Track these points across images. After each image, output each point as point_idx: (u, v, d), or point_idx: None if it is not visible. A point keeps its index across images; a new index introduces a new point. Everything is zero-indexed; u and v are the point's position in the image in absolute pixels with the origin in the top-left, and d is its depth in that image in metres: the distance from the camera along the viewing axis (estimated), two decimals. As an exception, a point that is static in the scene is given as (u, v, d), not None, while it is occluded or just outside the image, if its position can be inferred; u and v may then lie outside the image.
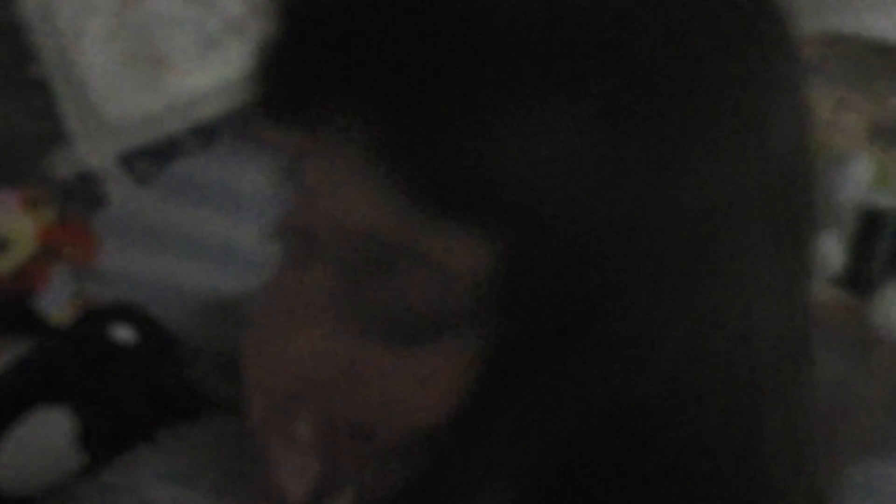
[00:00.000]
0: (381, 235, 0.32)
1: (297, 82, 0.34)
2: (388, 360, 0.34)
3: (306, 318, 0.34)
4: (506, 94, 0.30)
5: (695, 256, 0.32)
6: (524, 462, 0.34)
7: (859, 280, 1.45)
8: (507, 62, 0.30)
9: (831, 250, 1.40)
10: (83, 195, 1.31)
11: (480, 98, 0.30)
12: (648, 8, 0.30)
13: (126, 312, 1.38)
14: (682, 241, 0.32)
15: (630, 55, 0.30)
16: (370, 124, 0.31)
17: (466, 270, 0.31)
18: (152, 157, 1.33)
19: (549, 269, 0.31)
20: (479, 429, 0.33)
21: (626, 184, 0.31)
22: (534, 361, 0.32)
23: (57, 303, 1.43)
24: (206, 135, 1.32)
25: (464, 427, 0.33)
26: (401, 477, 0.35)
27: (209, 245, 1.51)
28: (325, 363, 0.34)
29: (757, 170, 0.32)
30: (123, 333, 1.34)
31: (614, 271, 0.31)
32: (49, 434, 1.21)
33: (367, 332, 0.34)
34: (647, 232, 0.31)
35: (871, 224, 1.47)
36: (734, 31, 0.32)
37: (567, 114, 0.30)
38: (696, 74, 0.31)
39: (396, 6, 0.31)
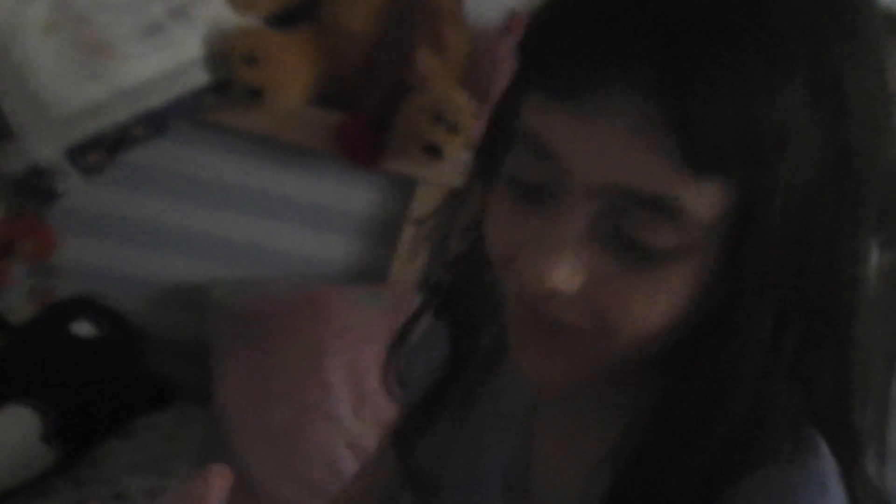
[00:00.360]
0: (642, 188, 0.42)
1: (584, 59, 0.42)
2: (632, 277, 0.44)
3: (564, 245, 0.44)
4: (759, 77, 0.39)
5: (884, 208, 0.44)
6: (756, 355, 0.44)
7: None
8: (761, 52, 0.39)
9: None
10: (35, 190, 1.28)
11: (741, 79, 0.39)
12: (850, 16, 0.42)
13: (86, 306, 1.37)
14: (876, 193, 0.44)
15: (847, 47, 0.41)
16: (648, 100, 0.40)
17: (707, 216, 0.42)
18: (102, 148, 1.31)
19: (776, 212, 0.41)
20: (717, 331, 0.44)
21: (840, 147, 0.41)
22: (753, 281, 0.43)
23: (16, 300, 1.41)
24: (156, 122, 1.30)
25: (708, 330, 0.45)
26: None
27: (167, 233, 1.50)
28: (582, 278, 0.44)
29: None
30: (85, 327, 1.33)
31: (824, 213, 0.42)
32: (17, 431, 1.20)
33: (615, 257, 0.44)
34: (854, 184, 0.43)
35: None
36: (881, 26, 0.44)
37: (803, 92, 0.40)
38: (880, 60, 0.44)
39: None
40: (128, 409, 1.33)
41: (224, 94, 1.33)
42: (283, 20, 1.37)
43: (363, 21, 1.36)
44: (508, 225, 0.48)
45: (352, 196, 1.55)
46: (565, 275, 0.44)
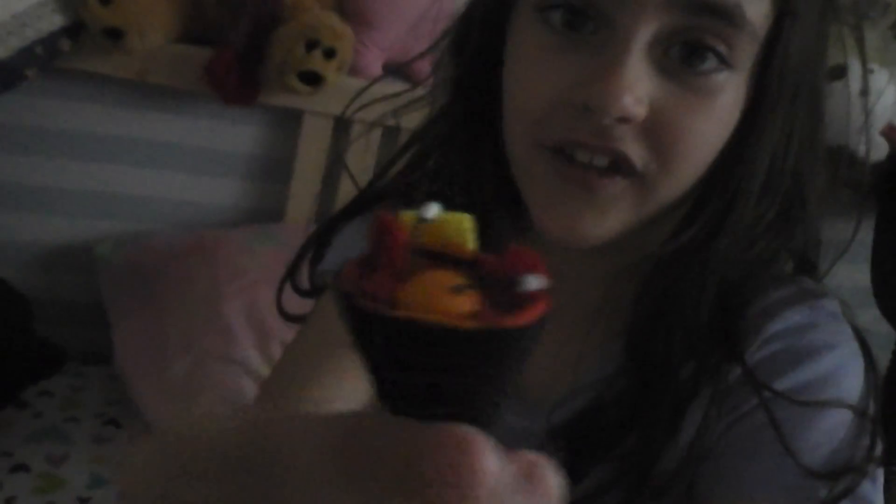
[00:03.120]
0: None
1: None
2: (688, 102, 0.46)
3: (631, 67, 0.44)
4: None
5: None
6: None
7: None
8: None
9: None
10: None
11: None
12: None
13: (-40, 276, 1.30)
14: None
15: None
16: None
17: (759, 29, 0.46)
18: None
19: (797, 40, 0.47)
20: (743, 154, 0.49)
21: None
22: (787, 90, 0.48)
23: None
24: (6, 74, 1.21)
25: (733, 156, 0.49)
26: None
27: (39, 193, 1.42)
28: (645, 106, 0.45)
29: None
30: (-38, 298, 1.26)
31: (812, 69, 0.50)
32: None
33: (671, 82, 0.46)
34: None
35: None
36: None
37: None
38: None
39: None
40: (18, 378, 1.27)
41: (80, 38, 1.25)
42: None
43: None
44: (552, 64, 0.47)
45: (234, 136, 1.49)
46: (635, 97, 0.45)
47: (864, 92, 0.59)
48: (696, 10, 0.44)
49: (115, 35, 1.23)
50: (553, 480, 0.20)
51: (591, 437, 0.52)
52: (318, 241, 0.63)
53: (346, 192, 1.51)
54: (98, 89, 1.37)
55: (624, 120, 0.45)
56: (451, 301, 0.19)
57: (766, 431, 0.48)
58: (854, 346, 0.53)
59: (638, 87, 0.45)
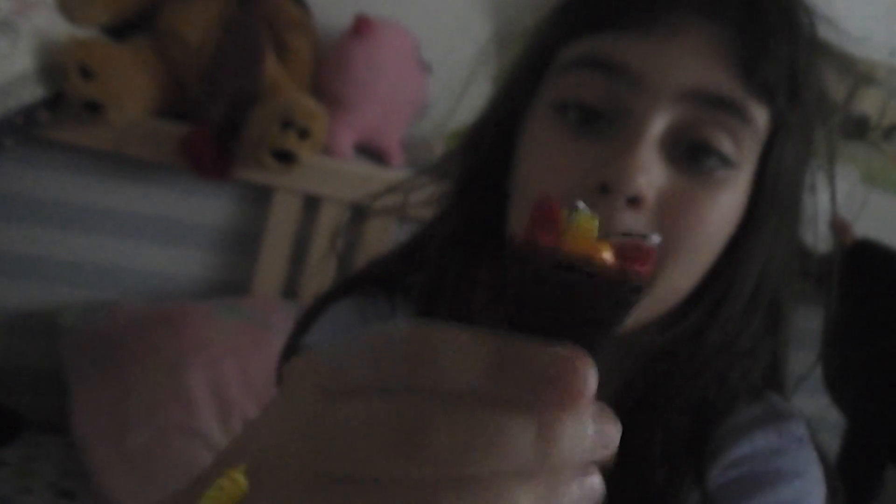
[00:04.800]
0: (718, 91, 0.48)
1: None
2: (694, 193, 0.49)
3: (644, 150, 0.47)
4: (805, 40, 0.51)
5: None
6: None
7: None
8: (809, 26, 0.52)
9: None
10: None
11: (793, 35, 0.50)
12: None
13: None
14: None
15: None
16: (714, 25, 0.48)
17: (761, 132, 0.49)
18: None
19: (791, 150, 0.51)
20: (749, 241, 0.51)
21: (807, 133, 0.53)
22: (780, 198, 0.52)
23: None
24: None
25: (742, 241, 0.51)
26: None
27: (6, 258, 1.42)
28: (651, 189, 0.47)
29: None
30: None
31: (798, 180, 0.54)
32: None
33: (679, 172, 0.48)
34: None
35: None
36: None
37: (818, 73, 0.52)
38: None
39: None
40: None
41: (60, 109, 1.28)
42: (119, 31, 1.33)
43: (201, 31, 1.33)
44: (567, 151, 0.49)
45: (205, 208, 1.51)
46: (648, 180, 0.47)
47: (813, 189, 0.63)
48: (708, 102, 0.48)
49: (94, 108, 1.26)
50: (615, 429, 0.25)
51: None
52: (310, 317, 0.64)
53: (313, 268, 1.53)
54: (73, 158, 1.39)
55: (635, 202, 0.47)
56: (597, 251, 0.26)
57: None
58: (818, 473, 0.54)
59: (651, 171, 0.47)
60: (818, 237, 0.59)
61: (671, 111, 0.48)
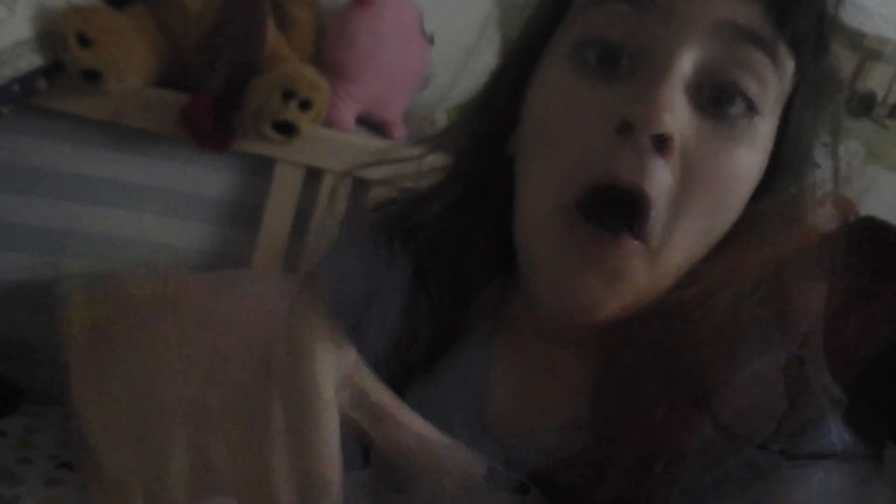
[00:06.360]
0: (749, 25, 0.45)
1: None
2: (718, 140, 0.46)
3: (671, 88, 0.45)
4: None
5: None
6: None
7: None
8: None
9: None
10: None
11: None
12: None
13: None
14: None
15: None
16: None
17: (787, 79, 0.47)
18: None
19: (810, 104, 0.49)
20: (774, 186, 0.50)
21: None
22: (798, 161, 0.50)
23: None
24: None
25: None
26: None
27: (6, 229, 1.41)
28: (677, 133, 0.45)
29: None
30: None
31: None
32: None
33: (704, 117, 0.46)
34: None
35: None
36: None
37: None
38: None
39: None
40: (-28, 417, 1.24)
41: (58, 77, 1.26)
42: (118, -1, 1.31)
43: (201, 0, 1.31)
44: (588, 95, 0.47)
45: (205, 180, 1.50)
46: (674, 117, 0.44)
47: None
48: (739, 37, 0.46)
49: (93, 77, 1.24)
50: None
51: (561, 482, 0.50)
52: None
53: (314, 241, 1.52)
54: (72, 128, 1.38)
55: (662, 144, 0.44)
56: None
57: (755, 486, 0.46)
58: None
59: (676, 109, 0.45)
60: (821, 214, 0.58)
61: (700, 46, 0.46)
